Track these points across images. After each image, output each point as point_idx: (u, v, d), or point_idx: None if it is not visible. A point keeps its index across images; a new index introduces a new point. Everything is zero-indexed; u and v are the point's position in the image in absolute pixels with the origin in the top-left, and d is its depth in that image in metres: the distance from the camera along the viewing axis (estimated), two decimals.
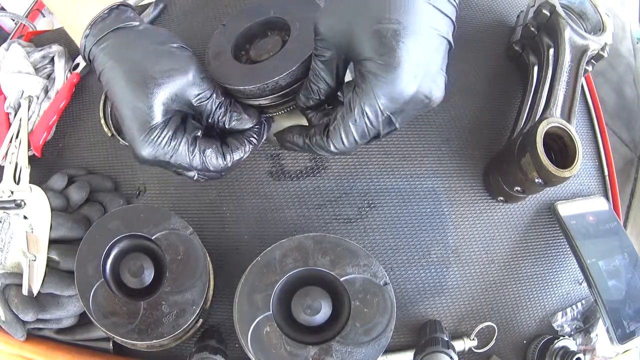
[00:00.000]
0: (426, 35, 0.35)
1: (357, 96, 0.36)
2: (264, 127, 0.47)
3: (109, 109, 0.60)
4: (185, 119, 0.44)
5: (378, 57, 0.34)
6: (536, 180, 0.47)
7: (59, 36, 0.66)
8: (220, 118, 0.44)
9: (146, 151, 0.40)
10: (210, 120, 0.44)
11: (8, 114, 0.57)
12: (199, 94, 0.42)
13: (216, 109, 0.43)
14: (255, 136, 0.46)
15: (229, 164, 0.44)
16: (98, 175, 0.56)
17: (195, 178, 0.45)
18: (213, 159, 0.43)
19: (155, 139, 0.40)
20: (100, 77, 0.42)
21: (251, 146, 0.46)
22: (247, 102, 0.47)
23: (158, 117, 0.40)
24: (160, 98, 0.40)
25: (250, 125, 0.45)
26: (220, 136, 0.46)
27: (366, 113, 0.36)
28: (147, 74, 0.39)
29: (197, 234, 0.45)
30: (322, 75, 0.40)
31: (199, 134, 0.44)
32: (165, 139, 0.40)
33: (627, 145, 0.81)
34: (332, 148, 0.39)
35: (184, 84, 0.41)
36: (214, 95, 0.43)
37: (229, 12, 0.63)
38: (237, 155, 0.44)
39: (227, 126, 0.44)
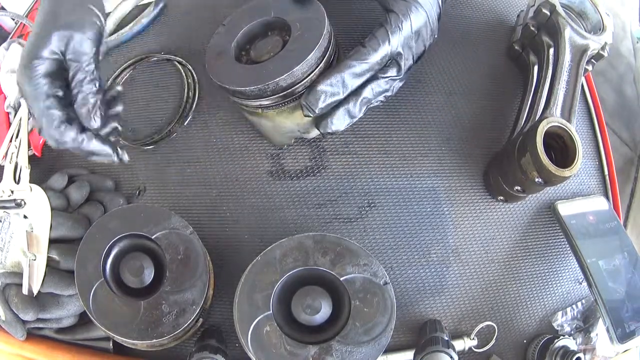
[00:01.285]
0: None
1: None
2: (109, 154, 0.44)
3: None
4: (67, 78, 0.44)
5: None
6: (536, 180, 0.47)
7: None
8: (74, 91, 0.43)
9: (20, 72, 0.42)
10: (72, 90, 0.43)
11: (8, 113, 0.57)
12: (75, 53, 0.42)
13: (78, 80, 0.42)
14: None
15: (56, 136, 0.42)
16: (98, 174, 0.56)
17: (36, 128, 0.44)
18: (50, 119, 0.41)
19: (30, 66, 0.41)
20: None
21: (82, 145, 0.43)
22: (247, 102, 0.47)
23: (42, 52, 0.41)
24: (53, 40, 0.41)
25: (86, 124, 0.43)
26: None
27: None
28: (56, 18, 0.42)
29: (197, 233, 0.45)
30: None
31: (60, 93, 0.42)
32: (35, 72, 0.41)
33: (627, 145, 0.81)
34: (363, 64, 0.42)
35: (72, 40, 0.42)
36: (87, 68, 0.43)
37: (228, 13, 0.63)
38: (64, 137, 0.42)
39: (74, 105, 0.43)
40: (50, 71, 0.42)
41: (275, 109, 0.47)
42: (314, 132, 0.52)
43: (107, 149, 0.44)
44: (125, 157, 0.45)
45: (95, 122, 0.43)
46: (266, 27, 0.50)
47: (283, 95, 0.45)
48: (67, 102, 0.43)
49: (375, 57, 0.43)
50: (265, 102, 0.46)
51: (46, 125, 0.41)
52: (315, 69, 0.45)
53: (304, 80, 0.45)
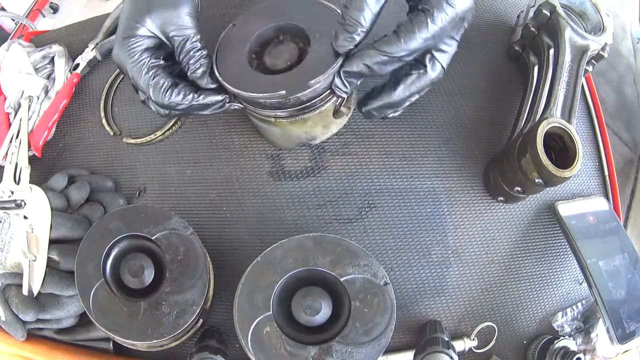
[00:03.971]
0: None
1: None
2: (221, 102, 0.47)
3: (111, 108, 0.60)
4: (166, 51, 0.48)
5: None
6: (536, 181, 0.47)
7: (59, 36, 0.66)
8: (189, 61, 0.46)
9: (116, 51, 0.46)
10: (179, 59, 0.46)
11: (8, 114, 0.57)
12: (178, 29, 0.46)
13: (191, 52, 0.46)
14: (208, 100, 0.46)
15: (165, 101, 0.45)
16: (98, 175, 0.56)
17: (142, 100, 0.48)
18: (157, 87, 0.45)
19: (127, 44, 0.45)
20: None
21: (195, 100, 0.46)
22: (262, 111, 0.46)
23: (140, 30, 0.45)
24: (148, 21, 0.45)
25: (206, 86, 0.46)
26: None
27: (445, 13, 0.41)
28: (147, 3, 0.46)
29: (197, 234, 0.45)
30: (371, 3, 0.40)
31: (160, 63, 0.46)
32: (133, 48, 0.45)
33: (627, 145, 0.82)
34: (403, 44, 0.41)
35: (170, 17, 0.46)
36: (194, 38, 0.46)
37: (233, 12, 0.63)
38: (176, 98, 0.45)
39: (189, 72, 0.46)
40: (148, 47, 0.46)
41: (289, 119, 0.46)
42: (320, 139, 0.52)
43: (218, 97, 0.46)
44: (237, 105, 0.47)
45: (211, 82, 0.46)
46: (278, 30, 0.48)
47: (301, 108, 0.45)
48: (169, 71, 0.46)
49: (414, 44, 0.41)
50: (281, 113, 0.45)
51: (154, 93, 0.45)
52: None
53: (324, 94, 0.44)
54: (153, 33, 0.46)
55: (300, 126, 0.48)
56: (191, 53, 0.46)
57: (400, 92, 0.44)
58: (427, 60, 0.44)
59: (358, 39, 0.41)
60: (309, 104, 0.44)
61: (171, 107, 0.46)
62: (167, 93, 0.45)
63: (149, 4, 0.46)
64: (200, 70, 0.46)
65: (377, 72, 0.42)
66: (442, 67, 0.44)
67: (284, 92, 0.42)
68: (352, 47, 0.42)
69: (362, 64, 0.42)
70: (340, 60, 0.42)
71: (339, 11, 0.45)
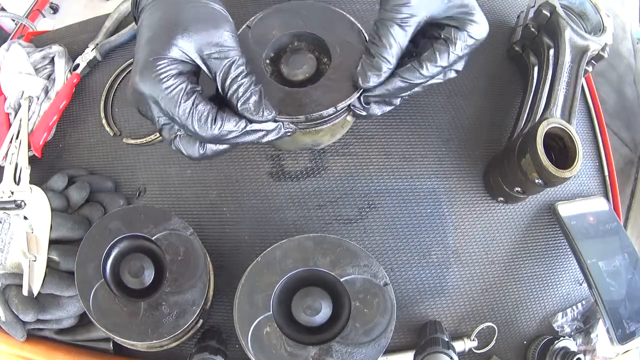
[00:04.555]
0: None
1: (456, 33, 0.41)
2: (275, 129, 0.41)
3: (111, 109, 0.60)
4: (198, 74, 0.41)
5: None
6: (536, 181, 0.47)
7: (59, 36, 0.66)
8: (236, 90, 0.39)
9: (142, 79, 0.37)
10: (223, 87, 0.39)
11: (8, 114, 0.57)
12: (220, 51, 0.39)
13: (234, 76, 0.39)
14: (261, 127, 0.41)
15: (216, 132, 0.38)
16: (98, 175, 0.56)
17: (171, 137, 0.40)
18: (202, 116, 0.38)
19: (157, 69, 0.37)
20: (139, 14, 0.42)
21: (247, 130, 0.39)
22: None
23: (172, 52, 0.38)
24: (180, 41, 0.38)
25: (259, 119, 0.39)
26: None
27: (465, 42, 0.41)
28: (176, 18, 0.39)
29: (197, 234, 0.45)
30: (399, 40, 0.40)
31: (198, 89, 0.39)
32: (166, 73, 0.37)
33: (627, 145, 0.82)
34: (425, 71, 0.41)
35: (210, 37, 0.39)
36: (239, 61, 0.39)
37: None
38: (227, 126, 0.38)
39: (236, 104, 0.39)
40: (182, 71, 0.38)
41: (303, 130, 0.44)
42: (324, 144, 0.52)
43: (270, 125, 0.40)
44: (291, 126, 0.42)
45: (269, 113, 0.39)
46: (294, 37, 0.46)
47: (318, 122, 0.43)
48: (208, 98, 0.40)
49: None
50: (300, 125, 0.43)
51: (199, 123, 0.37)
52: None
53: (342, 110, 0.43)
54: (188, 56, 0.38)
55: (312, 136, 0.48)
56: (239, 79, 0.39)
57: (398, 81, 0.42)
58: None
59: (384, 76, 0.41)
60: (327, 119, 0.43)
61: (220, 139, 0.39)
62: (217, 121, 0.38)
63: (181, 19, 0.38)
64: (253, 100, 0.39)
65: (393, 95, 0.42)
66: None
67: (303, 117, 0.41)
68: (377, 84, 0.41)
69: (385, 89, 0.41)
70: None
71: (352, 19, 0.45)
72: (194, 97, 0.38)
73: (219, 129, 0.38)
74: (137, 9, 0.43)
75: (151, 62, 0.37)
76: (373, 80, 0.40)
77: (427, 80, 0.42)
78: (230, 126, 0.38)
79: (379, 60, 0.40)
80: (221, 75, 0.39)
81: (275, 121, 0.41)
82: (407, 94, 0.43)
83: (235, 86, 0.39)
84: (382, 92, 0.42)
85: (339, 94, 0.42)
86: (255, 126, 0.40)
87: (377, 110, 0.44)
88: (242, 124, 0.39)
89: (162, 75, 0.37)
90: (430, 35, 0.43)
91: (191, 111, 0.37)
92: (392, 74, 0.41)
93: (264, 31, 0.46)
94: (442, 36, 0.41)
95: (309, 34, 0.45)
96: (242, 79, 0.39)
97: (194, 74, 0.40)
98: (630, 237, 0.54)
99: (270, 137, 0.41)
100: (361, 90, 0.42)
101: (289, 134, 0.42)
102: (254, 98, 0.39)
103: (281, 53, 0.46)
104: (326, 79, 0.43)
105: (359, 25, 0.45)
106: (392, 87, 0.41)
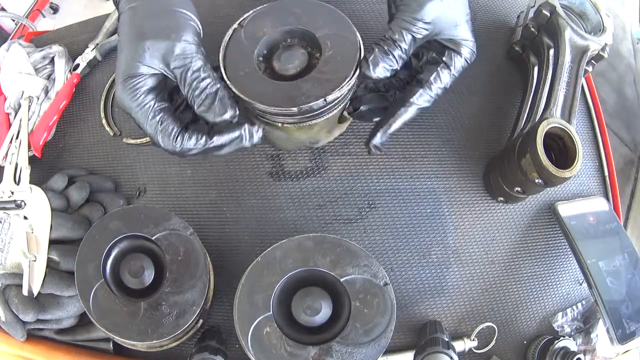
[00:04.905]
0: None
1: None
2: (239, 137, 0.43)
3: (111, 109, 0.60)
4: (173, 89, 0.44)
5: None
6: (536, 181, 0.47)
7: (59, 36, 0.66)
8: (193, 94, 0.41)
9: (120, 93, 0.41)
10: (186, 93, 0.42)
11: (8, 114, 0.57)
12: (177, 59, 0.41)
13: (190, 82, 0.41)
14: (226, 138, 0.43)
15: (177, 148, 0.41)
16: (98, 175, 0.56)
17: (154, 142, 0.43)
18: (166, 133, 0.41)
19: (130, 86, 0.41)
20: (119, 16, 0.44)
21: (209, 144, 0.42)
22: (270, 117, 0.45)
23: (141, 69, 0.41)
24: (147, 57, 0.41)
25: (218, 120, 0.41)
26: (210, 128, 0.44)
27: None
28: (142, 30, 0.42)
29: (197, 234, 0.45)
30: (410, 48, 0.43)
31: (165, 106, 0.42)
32: (136, 89, 0.41)
33: (627, 145, 0.82)
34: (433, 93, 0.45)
35: (172, 47, 0.41)
36: (195, 67, 0.41)
37: (227, 13, 0.63)
38: (187, 144, 0.41)
39: (195, 108, 0.41)
40: (152, 86, 0.41)
41: (297, 125, 0.45)
42: (322, 143, 0.52)
43: (234, 134, 0.43)
44: (259, 133, 0.44)
45: (224, 113, 0.41)
46: (286, 34, 0.47)
47: (310, 116, 0.44)
48: (176, 110, 0.44)
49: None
50: (290, 119, 0.45)
51: (163, 140, 0.41)
52: (347, 93, 0.45)
53: (334, 103, 0.44)
54: (154, 68, 0.41)
55: (307, 132, 0.48)
56: (194, 84, 0.41)
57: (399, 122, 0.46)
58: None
59: (389, 74, 0.43)
60: (318, 112, 0.44)
61: (183, 154, 0.42)
62: (178, 139, 0.41)
63: (143, 34, 0.41)
64: (207, 103, 0.41)
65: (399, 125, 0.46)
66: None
67: (295, 109, 0.42)
68: (381, 77, 0.43)
69: (401, 122, 0.46)
70: (355, 73, 0.43)
71: (342, 14, 0.45)
72: (160, 115, 0.41)
73: (179, 146, 0.41)
74: (117, 6, 0.46)
75: (125, 80, 0.41)
76: (379, 73, 0.42)
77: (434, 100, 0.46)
78: (191, 144, 0.42)
79: (392, 59, 0.42)
80: (182, 82, 0.42)
81: (239, 124, 0.43)
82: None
83: (192, 92, 0.41)
84: (396, 127, 0.46)
85: (329, 86, 0.42)
86: (217, 141, 0.42)
87: (383, 72, 0.43)
88: (202, 141, 0.42)
89: (134, 92, 0.41)
90: (437, 61, 0.46)
91: (156, 128, 0.41)
92: (409, 103, 0.45)
93: (256, 29, 0.46)
94: (443, 60, 0.45)
95: (300, 30, 0.46)
96: (197, 83, 0.41)
97: (167, 85, 0.43)
98: (630, 237, 0.54)
99: (234, 146, 0.43)
100: (352, 81, 0.43)
101: (256, 143, 0.44)
102: (208, 101, 0.41)
103: (274, 50, 0.47)
104: (317, 72, 0.44)
105: (348, 20, 0.45)
106: (409, 117, 0.45)
